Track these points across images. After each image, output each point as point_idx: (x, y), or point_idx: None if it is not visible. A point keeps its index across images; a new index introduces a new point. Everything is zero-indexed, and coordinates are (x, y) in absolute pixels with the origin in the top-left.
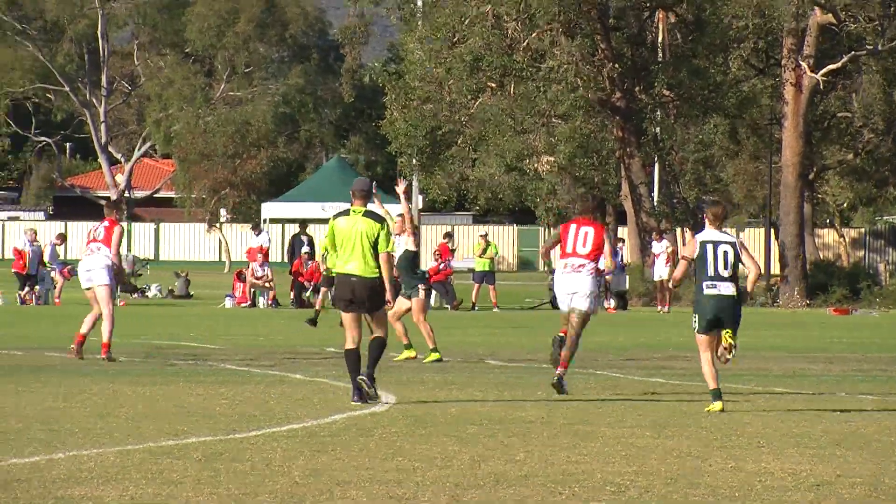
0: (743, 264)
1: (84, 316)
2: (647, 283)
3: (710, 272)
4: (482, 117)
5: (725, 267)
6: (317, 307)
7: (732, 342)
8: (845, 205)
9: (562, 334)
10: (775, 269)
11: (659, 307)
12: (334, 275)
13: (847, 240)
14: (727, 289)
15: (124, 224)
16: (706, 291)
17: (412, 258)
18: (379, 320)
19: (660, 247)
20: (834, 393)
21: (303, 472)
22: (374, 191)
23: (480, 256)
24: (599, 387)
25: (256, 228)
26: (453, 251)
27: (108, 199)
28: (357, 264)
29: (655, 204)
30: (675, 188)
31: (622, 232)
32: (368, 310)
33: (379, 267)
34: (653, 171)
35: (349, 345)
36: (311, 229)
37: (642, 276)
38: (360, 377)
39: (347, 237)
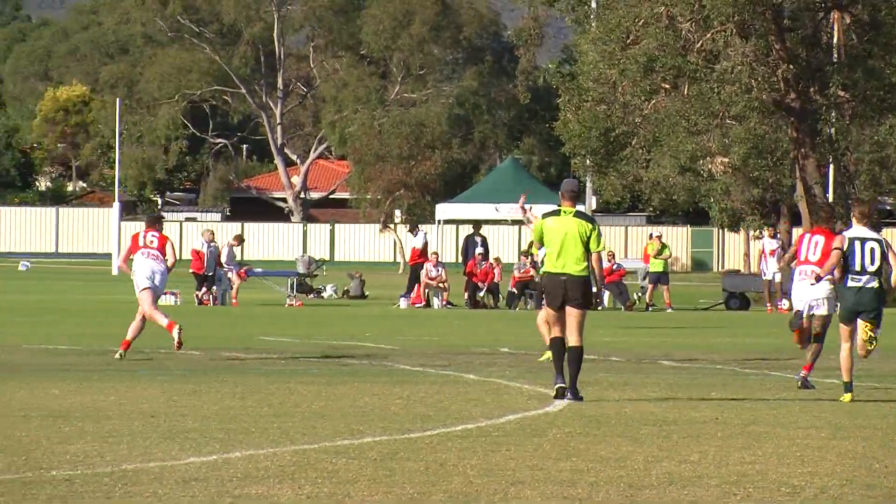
0: (888, 262)
1: (264, 315)
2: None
3: (857, 266)
4: (656, 118)
5: (871, 262)
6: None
7: (872, 334)
8: None
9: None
10: None
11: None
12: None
13: None
14: (870, 282)
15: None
16: (850, 284)
17: None
18: (578, 323)
19: (772, 244)
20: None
21: (477, 472)
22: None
23: (655, 258)
24: (774, 388)
25: (414, 229)
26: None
27: (155, 215)
28: (568, 263)
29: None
30: (849, 189)
31: (797, 233)
32: (576, 306)
33: (589, 266)
34: (827, 171)
35: (554, 334)
36: (484, 230)
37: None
38: (562, 386)
39: (557, 237)
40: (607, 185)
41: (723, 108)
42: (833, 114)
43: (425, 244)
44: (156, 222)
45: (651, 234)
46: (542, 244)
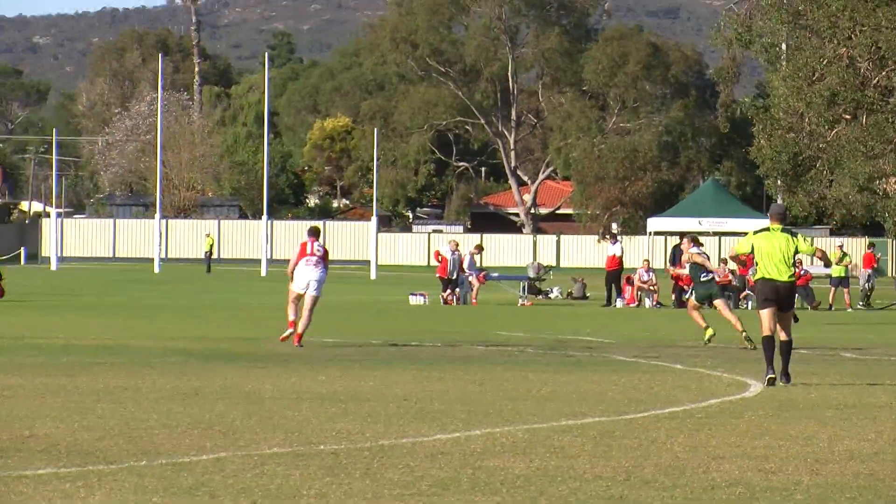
0: None
1: (500, 314)
2: None
3: None
4: (837, 144)
5: None
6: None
7: None
8: None
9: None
10: None
11: None
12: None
13: None
14: None
15: None
16: None
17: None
18: (786, 321)
19: None
20: None
21: (683, 448)
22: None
23: (837, 264)
24: None
25: (612, 238)
26: (878, 259)
27: (316, 227)
28: (780, 272)
29: None
30: None
31: None
32: (784, 308)
33: (793, 273)
34: None
35: (766, 332)
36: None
37: None
38: (773, 377)
39: (768, 250)
40: (795, 201)
41: None
42: None
43: (622, 252)
44: (317, 233)
45: (841, 245)
46: (743, 255)
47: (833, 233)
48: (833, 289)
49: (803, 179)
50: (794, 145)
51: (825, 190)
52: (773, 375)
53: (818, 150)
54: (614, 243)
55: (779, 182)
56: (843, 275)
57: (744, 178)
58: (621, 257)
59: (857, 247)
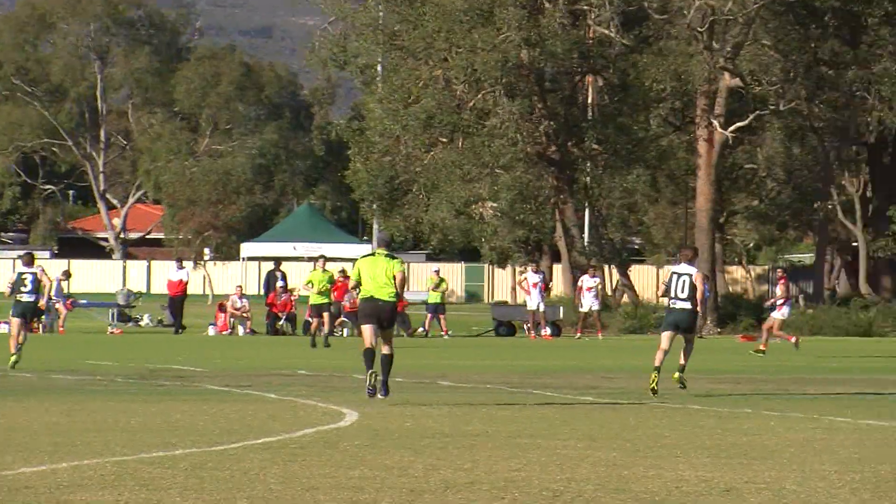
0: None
1: (88, 342)
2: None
3: (672, 293)
4: (434, 168)
5: (682, 290)
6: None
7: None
8: (751, 245)
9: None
10: None
11: (578, 335)
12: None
13: (753, 275)
14: (684, 305)
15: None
16: (671, 305)
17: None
18: (388, 336)
19: (591, 281)
20: (742, 409)
21: (277, 480)
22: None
23: (433, 290)
24: (537, 405)
25: (179, 262)
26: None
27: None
28: (380, 291)
29: (586, 244)
30: (603, 230)
31: (557, 269)
32: (386, 325)
33: (395, 293)
34: (584, 215)
35: (367, 345)
36: (283, 266)
37: (574, 307)
38: (374, 371)
39: (371, 272)
40: (392, 226)
41: (492, 160)
42: (588, 164)
43: (188, 277)
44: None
45: (437, 271)
46: (358, 283)
47: (430, 258)
48: (429, 315)
49: (400, 203)
50: (390, 168)
51: (422, 214)
52: (374, 371)
53: (415, 174)
54: (179, 269)
55: (374, 206)
56: (439, 301)
57: (339, 202)
58: (187, 282)
59: (454, 272)
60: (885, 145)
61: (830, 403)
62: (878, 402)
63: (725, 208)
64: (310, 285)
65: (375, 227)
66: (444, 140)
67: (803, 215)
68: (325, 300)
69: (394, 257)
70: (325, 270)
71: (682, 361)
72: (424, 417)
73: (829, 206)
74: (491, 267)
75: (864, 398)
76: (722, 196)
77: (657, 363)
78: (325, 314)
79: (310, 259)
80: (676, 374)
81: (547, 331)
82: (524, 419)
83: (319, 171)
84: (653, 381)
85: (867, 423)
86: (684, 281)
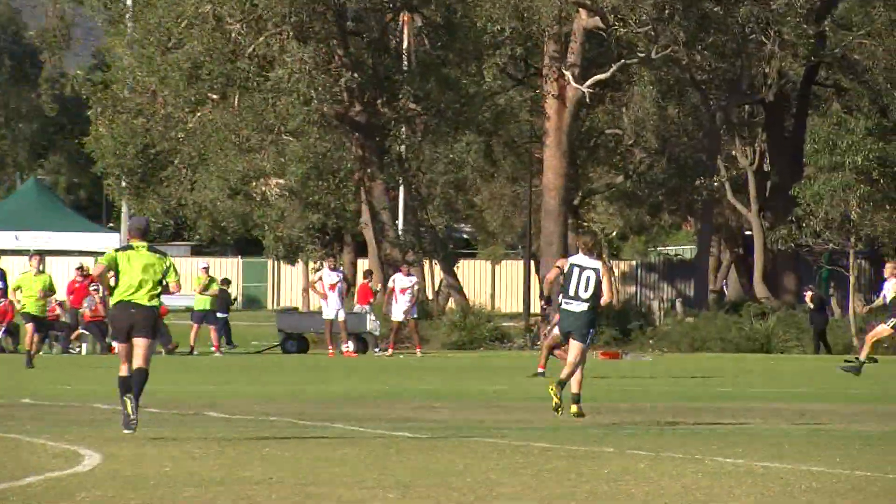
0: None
1: None
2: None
3: (571, 291)
4: (202, 133)
5: (586, 289)
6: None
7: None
8: (614, 234)
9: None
10: (536, 307)
11: (390, 351)
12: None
13: (616, 274)
14: (581, 306)
15: None
16: (563, 307)
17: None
18: (146, 350)
19: (406, 281)
20: (601, 448)
21: None
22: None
23: (201, 293)
24: (336, 442)
25: None
26: (376, 293)
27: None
28: (140, 294)
29: (400, 233)
30: (422, 215)
31: (362, 264)
32: (146, 336)
33: (157, 296)
34: (397, 195)
35: (123, 373)
36: (2, 262)
37: (383, 315)
38: (130, 395)
39: (132, 270)
40: (147, 209)
41: (278, 122)
42: (403, 129)
43: None
44: None
45: (206, 268)
46: (107, 275)
47: (196, 251)
48: (196, 326)
49: (156, 180)
50: (143, 134)
51: (186, 194)
52: (130, 394)
53: (177, 141)
54: None
55: (123, 183)
56: (208, 307)
57: (77, 177)
58: None
59: (228, 269)
60: (786, 104)
61: (717, 439)
62: (778, 438)
63: (581, 186)
64: (18, 291)
65: (125, 210)
66: (216, 97)
67: (682, 195)
68: (37, 313)
69: (161, 254)
70: (39, 272)
71: (575, 390)
72: (188, 460)
73: (716, 184)
74: (276, 263)
75: (759, 433)
76: (577, 171)
77: (564, 376)
78: (30, 326)
79: (38, 252)
80: (574, 407)
81: (349, 346)
82: (319, 462)
83: (50, 138)
84: (555, 396)
85: (763, 466)
86: (588, 277)
